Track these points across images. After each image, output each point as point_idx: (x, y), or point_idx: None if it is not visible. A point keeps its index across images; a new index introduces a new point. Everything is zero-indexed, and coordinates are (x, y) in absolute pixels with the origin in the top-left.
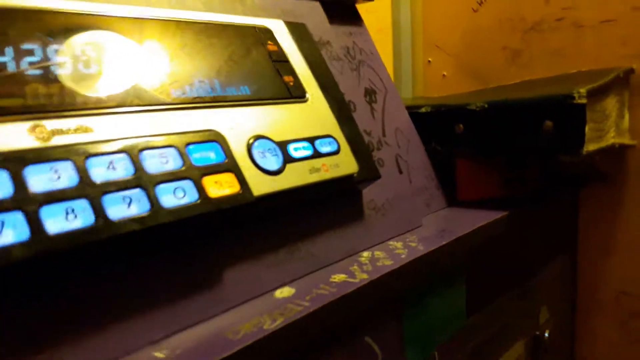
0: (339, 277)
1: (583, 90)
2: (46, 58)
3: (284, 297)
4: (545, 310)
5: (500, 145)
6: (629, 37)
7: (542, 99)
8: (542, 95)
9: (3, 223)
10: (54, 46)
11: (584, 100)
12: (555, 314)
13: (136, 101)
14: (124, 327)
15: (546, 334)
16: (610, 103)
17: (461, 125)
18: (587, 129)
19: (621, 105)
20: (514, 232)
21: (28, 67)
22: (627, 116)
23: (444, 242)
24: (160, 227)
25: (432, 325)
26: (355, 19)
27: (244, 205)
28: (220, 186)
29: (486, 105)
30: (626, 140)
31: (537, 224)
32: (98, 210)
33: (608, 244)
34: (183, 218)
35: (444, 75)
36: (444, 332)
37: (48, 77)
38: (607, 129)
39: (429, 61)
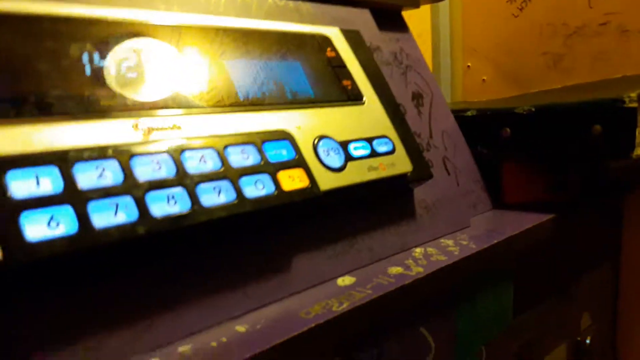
0: (396, 270)
1: (634, 95)
2: (139, 63)
3: (345, 285)
4: (587, 316)
5: (548, 149)
6: None
7: (591, 103)
8: (591, 100)
9: (117, 205)
10: (144, 54)
11: (634, 104)
12: (597, 320)
13: (216, 102)
14: (207, 302)
15: (587, 340)
16: None
17: (508, 129)
18: (637, 132)
19: None
20: (560, 236)
21: (126, 70)
22: None
23: (495, 241)
24: (244, 215)
25: (482, 322)
26: (401, 26)
27: (313, 199)
28: (293, 180)
29: (533, 109)
30: None
31: (582, 229)
32: (193, 197)
33: None
34: (263, 208)
35: (483, 80)
36: (492, 330)
37: (141, 79)
38: None
39: (469, 66)
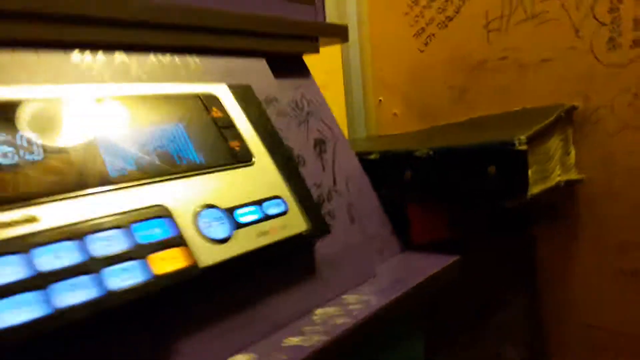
0: (292, 341)
1: (523, 137)
2: None
3: None
4: (511, 347)
5: (448, 190)
6: (567, 75)
7: (485, 146)
8: (485, 142)
9: None
10: None
11: (524, 147)
12: (522, 351)
13: (81, 184)
14: None
15: None
16: (554, 143)
17: (409, 172)
18: (530, 172)
19: (565, 142)
20: (469, 275)
21: None
22: (572, 152)
23: (397, 295)
24: (108, 311)
25: None
26: (302, 70)
27: (190, 280)
28: (167, 262)
29: (432, 152)
30: (573, 175)
31: (492, 265)
32: (47, 300)
33: (567, 278)
34: (132, 299)
35: (394, 113)
36: None
37: None
38: (552, 168)
39: (380, 100)
